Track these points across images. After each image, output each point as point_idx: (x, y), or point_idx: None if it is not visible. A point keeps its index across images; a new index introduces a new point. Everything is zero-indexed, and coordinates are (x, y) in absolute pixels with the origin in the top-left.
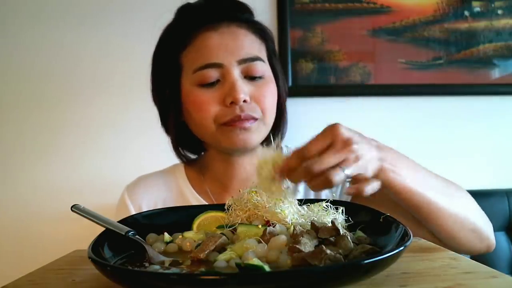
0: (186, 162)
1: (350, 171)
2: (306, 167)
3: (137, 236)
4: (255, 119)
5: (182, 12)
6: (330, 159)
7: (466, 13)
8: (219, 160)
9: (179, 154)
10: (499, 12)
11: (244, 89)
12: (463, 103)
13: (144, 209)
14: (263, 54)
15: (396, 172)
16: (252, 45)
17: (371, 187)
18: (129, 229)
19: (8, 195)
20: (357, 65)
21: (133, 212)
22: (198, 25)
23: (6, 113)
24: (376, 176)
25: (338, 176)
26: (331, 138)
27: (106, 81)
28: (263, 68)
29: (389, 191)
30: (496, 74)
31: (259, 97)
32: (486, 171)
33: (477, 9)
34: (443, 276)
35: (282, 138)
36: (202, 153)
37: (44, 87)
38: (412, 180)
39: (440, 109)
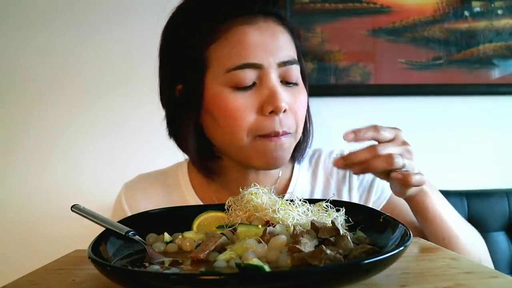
0: (209, 174)
1: (406, 161)
2: (372, 148)
3: (137, 236)
4: (290, 133)
5: (215, 0)
6: (394, 147)
7: (466, 13)
8: (233, 169)
9: (202, 165)
10: (499, 12)
11: (285, 97)
12: (463, 103)
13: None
14: (296, 56)
15: (432, 198)
16: (289, 46)
17: (418, 178)
18: (129, 229)
19: (9, 195)
20: (357, 65)
21: (128, 214)
22: (232, 16)
23: (7, 114)
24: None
25: (398, 159)
26: (395, 134)
27: (106, 82)
28: (298, 73)
29: (421, 216)
30: (496, 74)
31: (295, 107)
32: (486, 171)
33: (477, 9)
34: (443, 276)
35: (309, 146)
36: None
37: (44, 89)
38: (443, 212)
39: (440, 109)
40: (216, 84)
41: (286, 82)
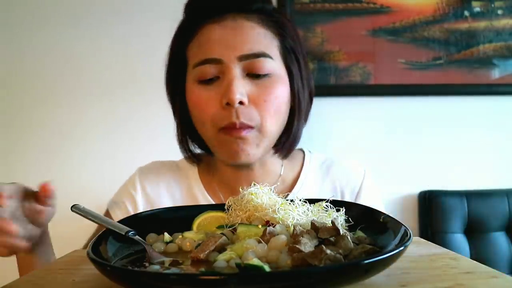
0: (191, 159)
1: None
2: None
3: (137, 236)
4: (252, 127)
5: (190, 4)
6: None
7: (466, 13)
8: (222, 164)
9: (184, 150)
10: (499, 12)
11: (240, 90)
12: (463, 103)
13: (150, 198)
14: (272, 50)
15: None
16: (258, 40)
17: None
18: (129, 229)
19: None
20: (357, 65)
21: (138, 197)
22: (202, 18)
23: (7, 114)
24: None
25: None
26: None
27: (107, 83)
28: (270, 65)
29: None
30: (496, 74)
31: (259, 99)
32: (486, 171)
33: (477, 9)
34: (443, 276)
35: (293, 145)
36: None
37: (45, 90)
38: None
39: (440, 109)
40: (189, 80)
41: (254, 74)
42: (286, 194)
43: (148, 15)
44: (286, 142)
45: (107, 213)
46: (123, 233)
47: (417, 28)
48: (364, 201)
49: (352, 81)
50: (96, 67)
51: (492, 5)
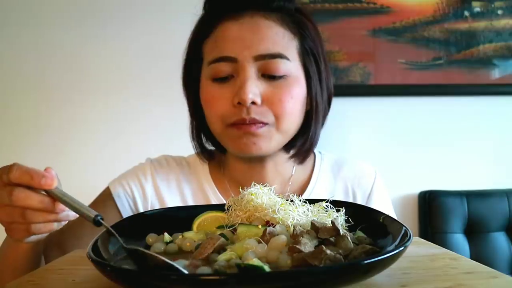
0: (203, 156)
1: None
2: None
3: (103, 223)
4: (264, 123)
5: (209, 0)
6: None
7: (466, 13)
8: (237, 160)
9: (196, 147)
10: (499, 12)
11: (253, 90)
12: (463, 103)
13: (160, 192)
14: (290, 50)
15: None
16: (275, 40)
17: None
18: (97, 213)
19: None
20: (357, 65)
21: (148, 187)
22: (220, 15)
23: (6, 114)
24: None
25: None
26: None
27: (104, 82)
28: (287, 67)
29: None
30: (496, 74)
31: (274, 100)
32: (486, 171)
33: (477, 9)
34: (443, 276)
35: (310, 150)
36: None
37: (46, 89)
38: None
39: (440, 109)
40: (203, 77)
41: (268, 75)
42: (287, 194)
43: (155, 14)
44: (303, 147)
45: (107, 190)
46: (92, 216)
47: (417, 28)
48: (375, 202)
49: (352, 81)
50: (98, 67)
51: (492, 5)
